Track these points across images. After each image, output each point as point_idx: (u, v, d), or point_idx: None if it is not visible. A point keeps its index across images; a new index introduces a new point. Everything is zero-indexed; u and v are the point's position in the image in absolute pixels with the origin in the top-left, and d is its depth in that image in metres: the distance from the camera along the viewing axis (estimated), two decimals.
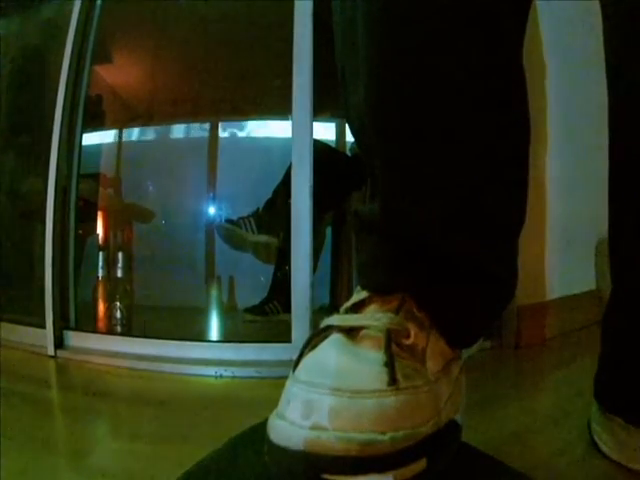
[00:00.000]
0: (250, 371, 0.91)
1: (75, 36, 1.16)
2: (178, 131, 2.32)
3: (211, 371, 0.92)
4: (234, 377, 0.92)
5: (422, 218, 0.38)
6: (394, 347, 0.32)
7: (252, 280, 1.67)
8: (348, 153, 1.99)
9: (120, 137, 1.85)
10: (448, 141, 0.37)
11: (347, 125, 0.46)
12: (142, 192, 1.82)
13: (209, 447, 0.48)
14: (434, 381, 0.33)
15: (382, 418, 0.27)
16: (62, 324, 1.09)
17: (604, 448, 0.54)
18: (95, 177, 1.68)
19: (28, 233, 1.64)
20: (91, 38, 1.20)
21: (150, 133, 2.24)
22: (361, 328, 0.34)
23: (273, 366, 0.91)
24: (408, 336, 0.34)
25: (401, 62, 0.36)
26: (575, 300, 1.24)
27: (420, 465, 0.28)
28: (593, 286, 1.36)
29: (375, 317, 0.35)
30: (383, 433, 0.27)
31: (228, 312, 1.69)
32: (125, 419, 0.71)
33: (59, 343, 1.07)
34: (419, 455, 0.28)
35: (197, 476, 0.32)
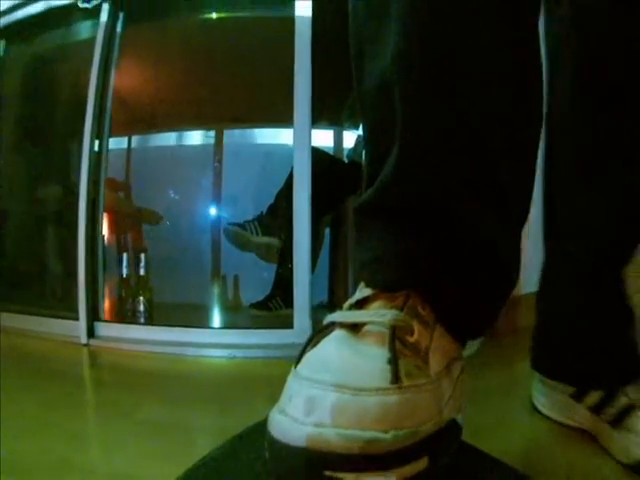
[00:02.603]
0: (258, 352, 1.04)
1: (101, 54, 1.29)
2: (187, 138, 2.41)
3: (225, 353, 1.06)
4: (245, 358, 1.04)
5: (435, 182, 0.38)
6: (398, 344, 0.32)
7: (256, 278, 1.76)
8: (345, 160, 2.06)
9: (129, 144, 1.91)
10: (471, 102, 0.37)
11: (359, 104, 0.44)
12: (151, 196, 1.89)
13: (230, 408, 0.62)
14: (436, 380, 0.33)
15: (385, 416, 0.27)
16: (93, 316, 1.21)
17: (541, 408, 0.65)
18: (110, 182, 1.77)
19: (44, 236, 1.75)
20: (114, 56, 1.34)
21: (160, 139, 2.30)
22: (364, 324, 0.33)
23: (277, 349, 1.03)
24: (412, 333, 0.34)
25: (433, 22, 0.36)
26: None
27: (422, 464, 0.28)
28: None
29: (380, 313, 0.34)
30: (385, 431, 0.27)
31: (235, 307, 1.79)
32: (156, 390, 0.84)
33: (91, 333, 1.19)
34: (421, 454, 0.28)
35: (197, 475, 0.32)
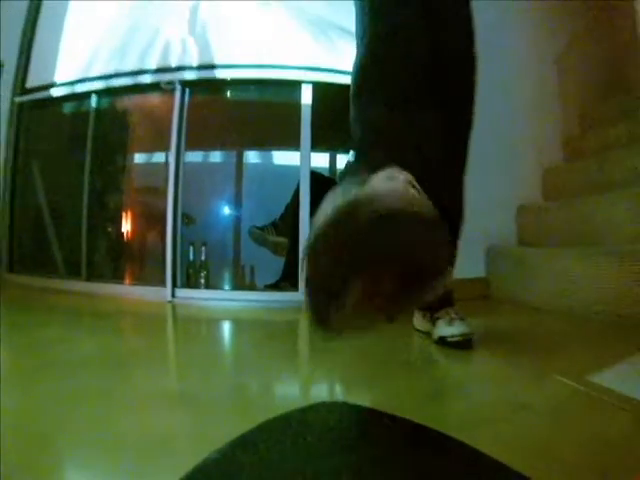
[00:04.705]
0: (278, 304, 1.70)
1: (178, 114, 1.97)
2: (222, 157, 2.90)
3: (259, 304, 1.72)
4: (270, 307, 1.69)
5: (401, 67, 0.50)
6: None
7: (268, 267, 2.23)
8: (337, 180, 2.62)
9: (165, 158, 2.28)
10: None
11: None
12: (187, 203, 2.27)
13: (270, 331, 1.24)
14: None
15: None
16: (174, 284, 1.84)
17: (416, 325, 1.28)
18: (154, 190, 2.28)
19: (112, 233, 2.41)
20: (184, 114, 2.01)
21: (200, 157, 2.79)
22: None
23: (289, 302, 1.69)
24: None
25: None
26: (466, 281, 1.91)
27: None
28: (483, 274, 2.09)
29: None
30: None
31: (251, 287, 2.36)
32: (220, 326, 1.46)
33: (172, 294, 1.82)
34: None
35: (198, 476, 0.32)
